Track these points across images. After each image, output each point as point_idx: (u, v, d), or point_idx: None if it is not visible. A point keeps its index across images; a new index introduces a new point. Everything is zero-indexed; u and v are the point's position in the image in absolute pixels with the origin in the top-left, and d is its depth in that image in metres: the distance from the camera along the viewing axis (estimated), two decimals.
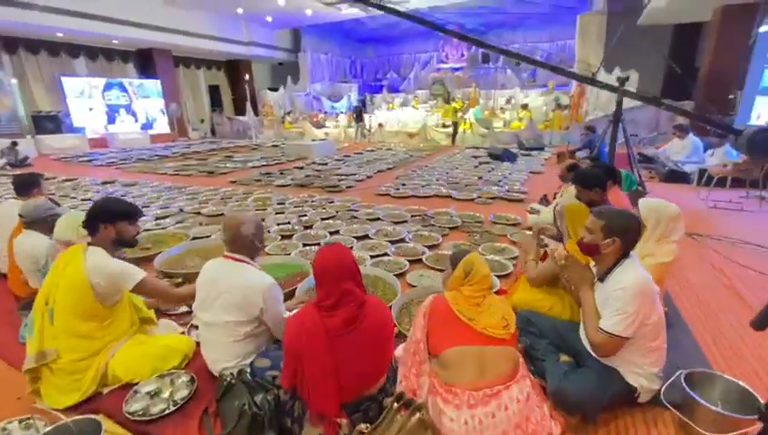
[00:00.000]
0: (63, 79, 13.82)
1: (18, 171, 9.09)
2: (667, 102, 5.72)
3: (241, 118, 18.28)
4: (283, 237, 3.99)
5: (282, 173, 7.91)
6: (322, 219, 4.57)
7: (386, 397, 1.50)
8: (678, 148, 7.46)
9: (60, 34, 13.12)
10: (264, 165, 9.14)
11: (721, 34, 11.53)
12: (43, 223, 2.52)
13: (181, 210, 5.18)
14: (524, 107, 13.65)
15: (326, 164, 9.00)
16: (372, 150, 11.54)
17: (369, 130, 14.59)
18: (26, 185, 3.10)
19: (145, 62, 16.52)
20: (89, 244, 1.85)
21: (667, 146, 8.03)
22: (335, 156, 10.40)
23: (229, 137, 17.71)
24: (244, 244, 1.84)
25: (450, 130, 14.19)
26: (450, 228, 4.19)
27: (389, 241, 3.77)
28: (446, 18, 20.18)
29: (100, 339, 1.82)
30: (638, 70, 12.89)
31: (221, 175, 8.04)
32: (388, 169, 8.25)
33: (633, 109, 11.18)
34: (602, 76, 13.40)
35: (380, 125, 14.79)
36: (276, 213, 4.90)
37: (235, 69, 20.75)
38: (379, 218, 4.59)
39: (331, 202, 5.40)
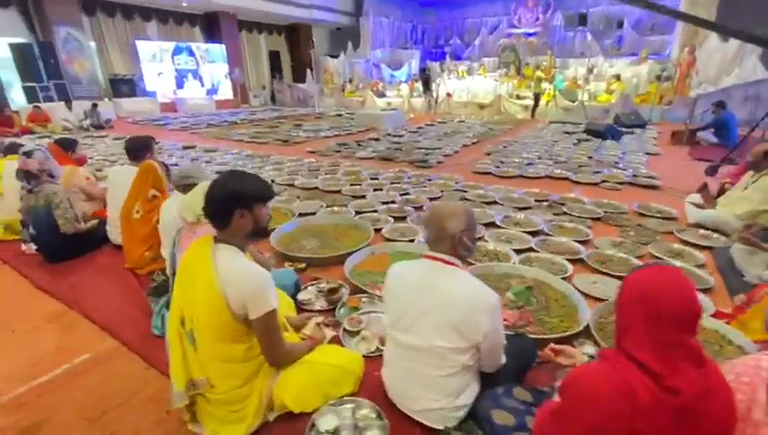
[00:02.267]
0: (138, 42, 14.03)
1: (100, 133, 9.35)
2: None
3: (301, 85, 17.95)
4: (396, 219, 3.52)
5: (359, 144, 7.43)
6: (430, 199, 4.05)
7: None
8: None
9: None
10: (336, 135, 8.73)
11: None
12: (188, 190, 2.22)
13: (273, 181, 4.86)
14: (617, 78, 12.08)
15: (402, 136, 8.41)
16: (444, 122, 10.77)
17: (437, 101, 13.68)
18: (139, 149, 2.82)
19: (211, 26, 16.45)
20: (216, 239, 1.38)
21: None
22: (407, 127, 9.76)
23: (289, 105, 17.49)
24: (452, 243, 1.34)
25: (526, 102, 13.00)
26: (591, 219, 3.52)
27: (523, 231, 3.18)
28: None
29: (254, 359, 1.42)
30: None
31: (296, 144, 7.71)
32: (473, 143, 7.53)
33: (758, 83, 9.47)
34: (714, 44, 11.56)
35: (449, 95, 13.82)
36: (374, 189, 4.44)
37: (294, 34, 20.27)
38: (495, 202, 3.99)
39: (430, 179, 4.85)
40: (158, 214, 2.47)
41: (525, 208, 3.80)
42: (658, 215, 3.62)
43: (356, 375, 1.57)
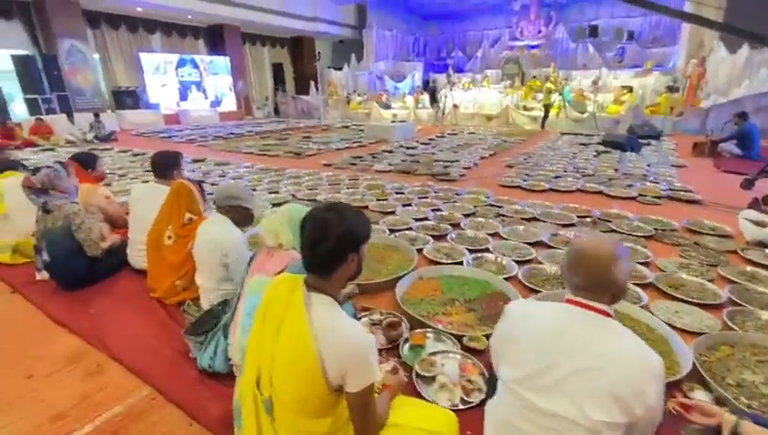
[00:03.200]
0: (141, 54, 13.91)
1: (105, 145, 9.12)
2: None
3: (305, 97, 17.87)
4: (436, 238, 3.28)
5: (374, 157, 7.23)
6: (465, 215, 3.82)
7: None
8: None
9: (139, 9, 13.12)
10: (347, 147, 8.55)
11: None
12: (232, 212, 2.00)
13: (293, 196, 4.63)
14: (630, 90, 12.03)
15: (415, 148, 8.22)
16: (455, 133, 10.62)
17: (444, 113, 13.58)
18: (167, 165, 2.59)
19: (215, 38, 16.41)
20: (308, 284, 1.11)
21: None
22: (417, 139, 9.59)
23: (293, 116, 17.37)
24: (614, 292, 1.08)
25: (534, 113, 12.92)
26: (642, 237, 3.29)
27: None
28: None
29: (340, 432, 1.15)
30: (754, 46, 10.87)
31: (309, 157, 7.51)
32: (490, 155, 7.35)
33: (766, 94, 9.41)
34: (723, 55, 11.56)
35: (455, 106, 13.72)
36: (403, 204, 4.21)
37: (298, 46, 20.32)
38: (535, 218, 3.77)
39: (458, 193, 4.63)
40: (194, 239, 2.23)
41: (569, 226, 3.58)
42: (713, 232, 3.41)
43: None
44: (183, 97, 15.43)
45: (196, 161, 7.00)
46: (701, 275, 2.59)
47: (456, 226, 3.57)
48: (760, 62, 10.41)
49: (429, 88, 14.22)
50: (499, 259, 2.84)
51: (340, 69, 19.52)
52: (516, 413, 1.15)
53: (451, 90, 15.50)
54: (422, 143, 8.88)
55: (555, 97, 11.76)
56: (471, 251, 2.99)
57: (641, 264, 2.77)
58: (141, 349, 1.93)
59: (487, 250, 3.03)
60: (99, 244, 2.47)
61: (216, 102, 16.47)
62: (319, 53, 14.67)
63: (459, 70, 20.87)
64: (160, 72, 14.54)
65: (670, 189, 4.70)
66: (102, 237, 2.57)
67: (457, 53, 22.42)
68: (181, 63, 15.09)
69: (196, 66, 15.58)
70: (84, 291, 2.47)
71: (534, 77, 16.30)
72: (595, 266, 1.06)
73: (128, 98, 13.47)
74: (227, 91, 16.77)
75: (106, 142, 9.71)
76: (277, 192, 4.80)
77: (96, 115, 10.44)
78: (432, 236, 3.31)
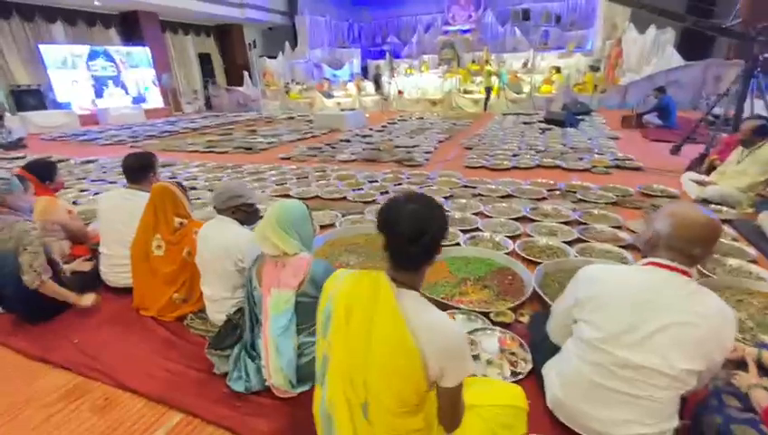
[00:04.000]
0: (42, 47, 12.14)
1: (12, 153, 7.91)
2: None
3: (240, 88, 16.86)
4: None
5: (332, 147, 7.07)
6: (444, 198, 3.90)
7: None
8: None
9: None
10: (299, 139, 8.26)
11: None
12: (238, 212, 1.86)
13: (263, 191, 4.38)
14: (558, 70, 12.91)
15: (371, 136, 8.17)
16: (404, 120, 10.71)
17: (387, 98, 13.61)
18: (141, 168, 2.31)
19: (129, 27, 14.78)
20: (395, 281, 1.05)
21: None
22: (370, 127, 9.53)
23: (229, 110, 16.33)
24: (696, 258, 1.16)
25: (474, 96, 13.43)
26: (607, 204, 3.60)
27: (560, 222, 3.16)
28: None
29: (426, 430, 1.13)
30: (660, 27, 12.29)
31: (263, 151, 7.13)
32: (446, 139, 7.53)
33: (677, 69, 10.67)
34: (634, 35, 12.82)
35: (400, 92, 13.81)
36: (381, 193, 4.18)
37: (225, 35, 19.04)
38: (510, 195, 3.95)
39: (430, 178, 4.70)
40: (190, 245, 2.03)
41: (542, 199, 3.81)
42: (662, 194, 3.83)
43: (525, 411, 1.35)
44: (99, 94, 13.79)
45: None
46: None
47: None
48: (665, 42, 11.74)
49: (374, 75, 14.08)
50: (493, 236, 2.95)
51: (274, 57, 18.64)
52: (597, 370, 1.21)
53: (394, 76, 15.56)
54: (376, 131, 8.84)
55: (495, 79, 12.28)
56: (464, 232, 3.06)
57: (614, 227, 3.04)
58: (155, 373, 1.73)
59: (478, 229, 3.12)
60: (40, 276, 2.00)
61: (140, 99, 14.94)
62: (254, 41, 13.87)
63: (396, 56, 20.94)
64: (68, 67, 12.83)
65: (616, 159, 5.17)
66: (46, 269, 2.13)
67: (393, 39, 22.48)
68: (93, 56, 13.43)
69: (110, 59, 13.96)
70: (55, 321, 2.14)
71: (474, 61, 16.90)
72: (682, 231, 1.13)
73: (30, 98, 11.74)
74: (151, 86, 15.28)
75: (14, 150, 8.40)
76: None
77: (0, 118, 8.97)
78: None
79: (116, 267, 2.29)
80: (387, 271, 1.08)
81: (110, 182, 5.20)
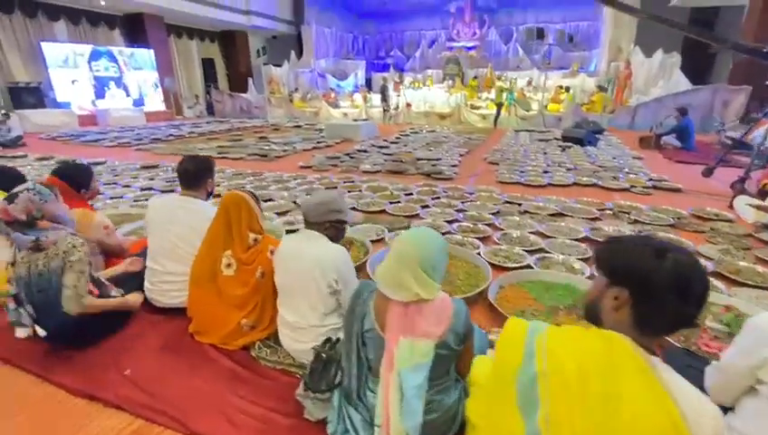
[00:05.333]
0: (44, 44, 11.80)
1: (11, 152, 7.52)
2: None
3: (244, 95, 16.64)
4: (482, 240, 3.09)
5: (351, 157, 6.85)
6: (492, 214, 3.69)
7: None
8: None
9: None
10: (313, 147, 8.04)
11: (762, 16, 11.22)
12: (331, 229, 1.64)
13: (295, 202, 4.12)
14: (567, 89, 13.02)
15: (387, 147, 7.99)
16: (417, 132, 10.58)
17: (397, 109, 13.54)
18: (200, 172, 2.06)
19: (134, 29, 14.53)
20: (642, 347, 0.88)
21: (760, 131, 7.48)
22: (384, 138, 9.37)
23: (231, 115, 16.07)
24: None
25: (482, 111, 13.42)
26: (665, 226, 3.44)
27: None
28: None
29: None
30: (666, 50, 12.54)
31: (278, 159, 6.89)
32: (466, 152, 7.38)
33: (686, 93, 10.80)
34: (641, 58, 13.03)
35: (408, 105, 13.74)
36: (422, 206, 3.96)
37: (230, 41, 18.91)
38: (560, 214, 3.77)
39: (471, 193, 4.50)
40: (264, 265, 1.77)
41: (595, 219, 3.63)
42: (717, 218, 3.68)
43: None
44: (99, 94, 13.42)
45: (146, 168, 6.02)
46: (746, 260, 2.73)
47: (489, 226, 3.43)
48: (671, 65, 11.93)
49: (381, 86, 14.01)
50: (565, 259, 2.74)
51: (277, 66, 18.51)
52: None
53: (399, 89, 15.52)
54: (391, 142, 8.67)
55: (505, 96, 12.29)
56: (528, 252, 2.85)
57: None
58: (233, 416, 1.45)
59: (542, 250, 2.92)
60: (82, 298, 1.73)
61: (140, 101, 14.59)
62: (264, 47, 13.71)
63: (399, 69, 21.06)
64: (69, 66, 12.47)
65: (651, 180, 5.06)
66: (87, 292, 1.85)
67: (396, 53, 22.62)
68: (95, 56, 13.10)
69: (114, 59, 13.64)
70: (98, 349, 1.85)
71: (475, 77, 17.01)
72: None
73: (29, 96, 11.34)
74: (152, 89, 14.95)
75: (13, 148, 7.99)
76: (271, 199, 4.25)
77: (5, 114, 8.54)
78: (478, 238, 3.11)
79: (165, 284, 2.01)
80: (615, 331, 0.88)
81: (124, 186, 4.89)
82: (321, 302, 1.59)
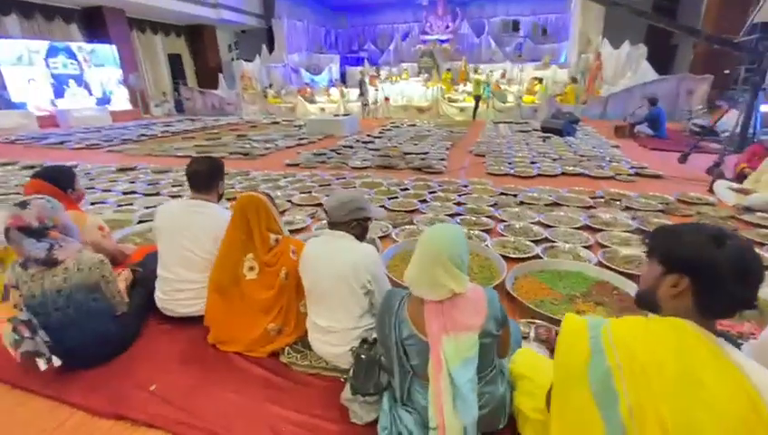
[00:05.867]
0: None
1: None
2: None
3: (215, 91, 16.08)
4: (486, 232, 3.12)
5: (338, 153, 6.76)
6: (491, 206, 3.74)
7: None
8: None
9: None
10: (297, 144, 7.88)
11: (720, 10, 11.84)
12: (357, 227, 1.60)
13: (290, 202, 4.02)
14: (539, 80, 13.31)
15: (373, 142, 7.93)
16: (398, 126, 10.56)
17: (376, 104, 13.46)
18: (211, 175, 1.96)
19: (93, 23, 13.72)
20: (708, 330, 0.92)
21: (724, 119, 7.86)
22: (368, 132, 9.29)
23: (202, 113, 15.49)
24: None
25: (460, 104, 13.54)
26: (659, 212, 3.59)
27: (625, 231, 3.08)
28: None
29: None
30: (633, 42, 13.06)
31: (261, 157, 6.70)
32: (451, 145, 7.43)
33: (652, 83, 11.27)
34: (609, 50, 13.47)
35: (387, 99, 13.69)
36: (420, 201, 3.95)
37: (197, 35, 18.20)
38: (556, 203, 3.85)
39: (465, 186, 4.52)
40: (287, 266, 1.71)
41: (590, 207, 3.74)
42: (700, 202, 3.87)
43: None
44: (59, 94, 12.62)
45: (123, 170, 5.72)
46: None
47: (491, 217, 3.47)
48: (639, 56, 12.41)
49: (359, 80, 13.87)
50: (571, 247, 2.81)
51: (248, 61, 17.98)
52: None
53: (375, 83, 15.42)
54: (375, 137, 8.61)
55: (483, 88, 12.44)
56: (533, 242, 2.91)
57: None
58: (282, 429, 1.39)
59: (547, 240, 2.98)
60: (124, 298, 1.77)
61: (105, 100, 13.83)
62: (235, 42, 13.27)
63: (374, 63, 20.92)
64: (24, 63, 11.65)
65: (632, 167, 5.26)
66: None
67: (370, 47, 22.45)
68: (53, 52, 12.29)
69: (72, 56, 12.84)
70: (113, 365, 1.73)
71: (449, 70, 17.12)
72: None
73: None
74: (117, 87, 14.20)
75: None
76: None
77: None
78: (483, 230, 3.14)
79: (179, 293, 1.91)
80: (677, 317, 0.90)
81: (104, 190, 4.62)
82: (356, 304, 1.55)
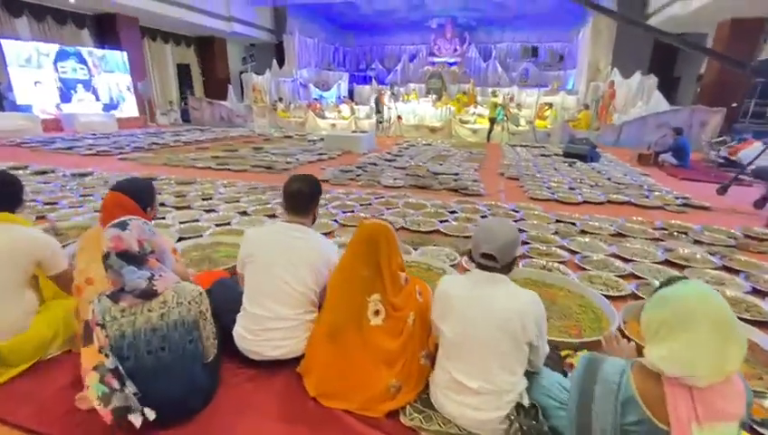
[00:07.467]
0: (3, 42, 10.68)
1: None
2: None
3: (224, 103, 15.89)
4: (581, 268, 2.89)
5: (364, 170, 6.54)
6: (554, 234, 3.52)
7: None
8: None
9: None
10: (318, 159, 7.67)
11: (728, 46, 12.07)
12: (507, 268, 1.33)
13: (336, 222, 3.76)
14: (550, 106, 13.40)
15: (394, 160, 7.74)
16: (414, 145, 10.43)
17: (389, 122, 13.38)
18: (311, 197, 1.72)
19: (105, 29, 13.54)
20: None
21: (747, 150, 7.87)
22: (387, 150, 9.13)
23: (209, 124, 15.24)
24: None
25: (474, 126, 13.52)
26: (732, 247, 3.40)
27: (711, 268, 2.87)
28: (440, 11, 19.60)
29: None
30: (644, 73, 13.30)
31: (284, 171, 6.46)
32: (478, 167, 7.27)
33: (666, 113, 11.38)
34: (619, 79, 13.67)
35: (399, 118, 13.62)
36: (473, 225, 3.72)
37: (207, 47, 18.17)
38: (620, 234, 3.65)
39: (517, 211, 4.30)
40: (415, 309, 1.45)
41: (656, 240, 3.54)
42: (766, 237, 3.70)
43: None
44: (65, 98, 12.31)
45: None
46: None
47: (560, 248, 3.24)
48: (649, 86, 12.59)
49: (375, 99, 13.85)
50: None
51: (258, 74, 17.92)
52: None
53: (385, 102, 15.42)
54: (395, 155, 8.44)
55: (498, 111, 12.44)
56: (620, 277, 2.67)
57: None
58: None
59: (634, 276, 2.75)
60: (215, 344, 1.49)
61: (112, 105, 13.55)
62: (251, 54, 13.19)
63: (380, 82, 21.05)
64: (32, 66, 11.36)
65: (678, 198, 5.11)
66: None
67: (377, 66, 22.64)
68: (62, 56, 12.04)
69: (82, 61, 12.60)
70: (200, 420, 1.43)
71: (464, 93, 17.25)
72: None
73: None
74: (125, 93, 13.94)
75: None
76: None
77: None
78: (557, 262, 2.91)
79: (270, 332, 1.62)
80: None
81: None
82: (518, 362, 1.29)
